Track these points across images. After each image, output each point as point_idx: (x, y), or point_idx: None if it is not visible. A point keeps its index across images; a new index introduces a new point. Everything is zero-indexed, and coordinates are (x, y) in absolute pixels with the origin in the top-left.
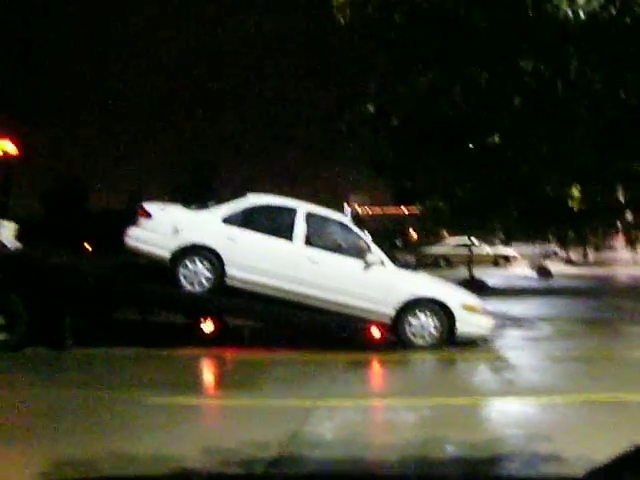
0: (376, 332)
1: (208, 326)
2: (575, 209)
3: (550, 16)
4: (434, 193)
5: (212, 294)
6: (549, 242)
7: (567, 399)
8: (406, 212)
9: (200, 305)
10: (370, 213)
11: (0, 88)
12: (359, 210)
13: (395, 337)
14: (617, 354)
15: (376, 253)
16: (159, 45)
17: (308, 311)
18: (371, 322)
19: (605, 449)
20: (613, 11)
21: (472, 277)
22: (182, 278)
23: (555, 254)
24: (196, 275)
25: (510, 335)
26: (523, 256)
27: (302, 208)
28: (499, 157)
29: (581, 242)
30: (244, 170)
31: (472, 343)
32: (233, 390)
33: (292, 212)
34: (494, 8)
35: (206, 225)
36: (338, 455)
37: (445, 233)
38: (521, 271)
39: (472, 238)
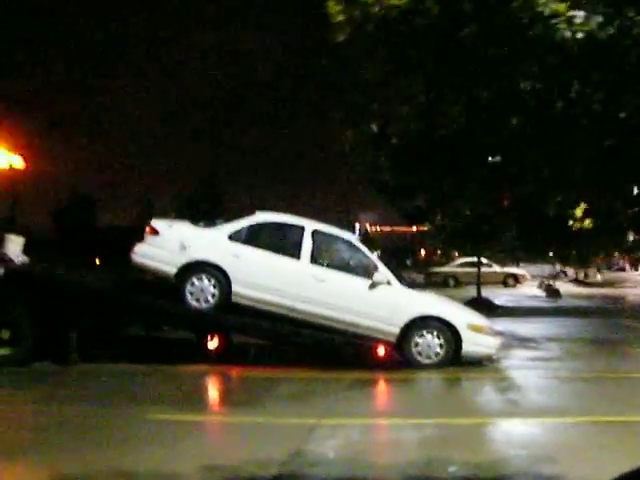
0: (382, 351)
1: (213, 343)
2: (576, 229)
3: (548, 36)
4: (436, 212)
5: (218, 311)
6: (550, 262)
7: (573, 420)
8: (415, 230)
9: (205, 322)
10: (380, 231)
11: (10, 103)
12: (369, 228)
13: (401, 356)
14: (624, 375)
15: (382, 272)
16: (172, 62)
17: (313, 329)
18: (377, 341)
19: (610, 470)
20: (612, 31)
21: (480, 296)
22: (188, 295)
23: (564, 274)
24: (202, 292)
25: (517, 355)
26: (532, 276)
27: (309, 226)
28: (500, 176)
29: (582, 262)
30: (254, 187)
31: (478, 363)
32: (236, 407)
33: (299, 230)
34: (492, 28)
35: (213, 242)
36: (339, 474)
37: (455, 252)
38: (530, 291)
39: (481, 257)
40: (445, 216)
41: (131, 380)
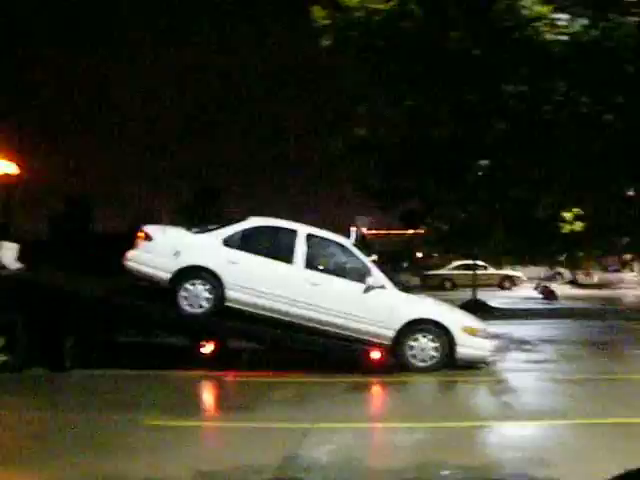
0: (376, 354)
1: (207, 348)
2: (566, 232)
3: (532, 39)
4: (426, 215)
5: (212, 316)
6: (539, 265)
7: (567, 422)
8: (411, 233)
9: (200, 327)
10: (376, 235)
11: (5, 110)
12: (365, 232)
13: (395, 359)
14: (620, 377)
15: (377, 276)
16: (166, 70)
17: (308, 333)
18: (371, 344)
19: (605, 473)
20: (595, 34)
21: (475, 299)
22: (182, 300)
23: (560, 275)
24: (196, 297)
25: (512, 358)
26: (528, 278)
27: (302, 230)
28: (488, 180)
29: (573, 265)
30: (250, 192)
31: (473, 366)
32: (231, 412)
33: (292, 234)
34: (477, 31)
35: (206, 247)
36: (332, 479)
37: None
38: (526, 293)
39: (477, 260)
40: (433, 220)
41: (126, 386)
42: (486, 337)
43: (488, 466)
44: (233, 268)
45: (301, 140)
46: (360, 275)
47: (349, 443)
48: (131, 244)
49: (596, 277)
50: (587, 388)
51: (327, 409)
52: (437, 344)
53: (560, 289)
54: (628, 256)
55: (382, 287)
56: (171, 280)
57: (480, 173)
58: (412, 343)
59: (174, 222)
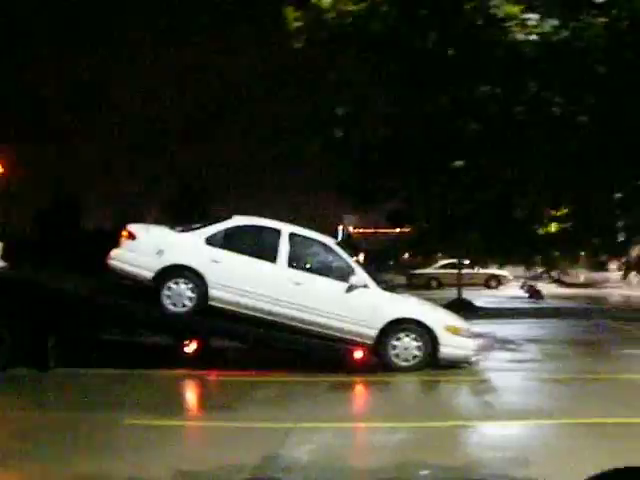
0: (359, 354)
1: (191, 347)
2: (541, 233)
3: (502, 39)
4: (407, 216)
5: (195, 315)
6: (514, 266)
7: (549, 422)
8: (398, 232)
9: (183, 326)
10: (363, 233)
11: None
12: (352, 231)
13: (378, 359)
14: (603, 376)
15: (360, 275)
16: (157, 69)
17: (291, 332)
18: (354, 344)
19: (584, 473)
20: (565, 34)
21: (460, 298)
22: (165, 299)
23: (547, 275)
24: (179, 296)
25: (495, 357)
26: (514, 277)
27: (286, 229)
28: (463, 181)
29: (549, 265)
30: (237, 192)
31: (456, 365)
32: (213, 411)
33: (276, 233)
34: (448, 32)
35: (190, 246)
36: (312, 478)
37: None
38: (512, 292)
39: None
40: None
41: (109, 385)
42: (469, 336)
43: (469, 466)
44: (216, 267)
45: (301, 140)
46: (343, 274)
47: (330, 443)
48: (116, 243)
49: (582, 276)
50: (571, 388)
51: (309, 408)
52: (420, 343)
53: (546, 288)
54: (603, 257)
55: (365, 286)
56: (154, 279)
57: (454, 174)
58: (395, 342)
59: (159, 221)
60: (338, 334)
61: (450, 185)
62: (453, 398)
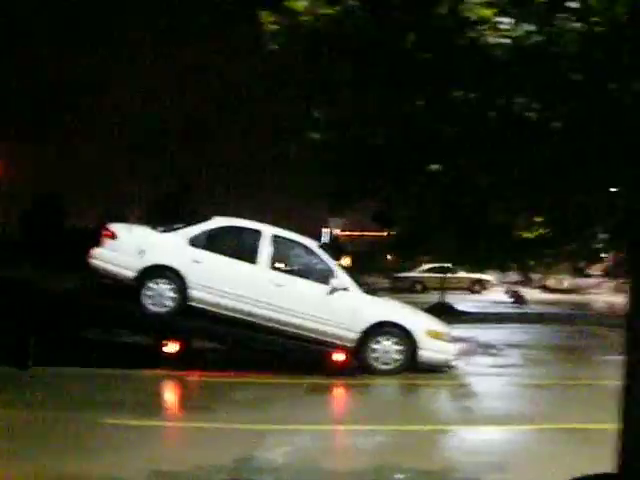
0: (339, 357)
1: (171, 347)
2: (519, 238)
3: (474, 43)
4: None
5: (175, 315)
6: (490, 271)
7: (527, 427)
8: (385, 235)
9: (163, 326)
10: (350, 236)
11: None
12: (338, 233)
13: (358, 362)
14: (584, 382)
15: (341, 277)
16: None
17: (271, 334)
18: (334, 347)
19: (560, 478)
20: (539, 39)
21: (443, 302)
22: (146, 299)
23: (530, 280)
24: (160, 296)
25: (477, 362)
26: (499, 281)
27: (267, 231)
28: (438, 185)
29: (524, 271)
30: (222, 193)
31: (436, 369)
32: (191, 412)
33: (257, 234)
34: (421, 34)
35: (171, 247)
36: None
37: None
38: (496, 297)
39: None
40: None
41: (88, 385)
42: (450, 341)
43: (445, 470)
44: (197, 268)
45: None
46: (324, 277)
47: (307, 445)
48: (97, 242)
49: (566, 282)
50: (550, 393)
51: (289, 410)
52: (400, 347)
53: (530, 293)
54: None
55: (346, 289)
56: (135, 279)
57: (432, 175)
58: (375, 346)
59: (142, 220)
60: (318, 336)
61: (428, 186)
62: (432, 402)
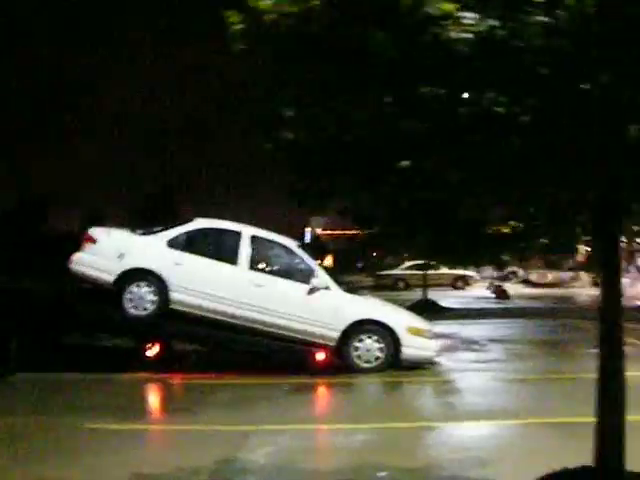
0: (321, 356)
1: (153, 350)
2: (490, 234)
3: (437, 38)
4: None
5: (157, 318)
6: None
7: (511, 422)
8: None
9: (144, 329)
10: (331, 235)
11: None
12: (320, 232)
13: (340, 360)
14: (567, 376)
15: (321, 277)
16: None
17: (252, 335)
18: (316, 346)
19: (541, 473)
20: (502, 33)
21: (426, 299)
22: (127, 302)
23: (513, 275)
24: (140, 299)
25: (459, 357)
26: (482, 277)
27: (247, 231)
28: (409, 182)
29: (498, 267)
30: (203, 197)
31: (419, 366)
32: (174, 415)
33: (237, 236)
34: (389, 33)
35: (151, 249)
36: None
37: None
38: (479, 292)
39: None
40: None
41: (69, 389)
42: (432, 337)
43: (426, 467)
44: (177, 270)
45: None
46: (305, 276)
47: (289, 445)
48: (78, 246)
49: (550, 276)
50: (533, 387)
51: (271, 411)
52: (382, 345)
53: (513, 288)
54: (552, 257)
55: (327, 288)
56: (116, 282)
57: (403, 173)
58: (357, 344)
59: (124, 224)
60: (300, 336)
61: (399, 185)
62: (416, 399)
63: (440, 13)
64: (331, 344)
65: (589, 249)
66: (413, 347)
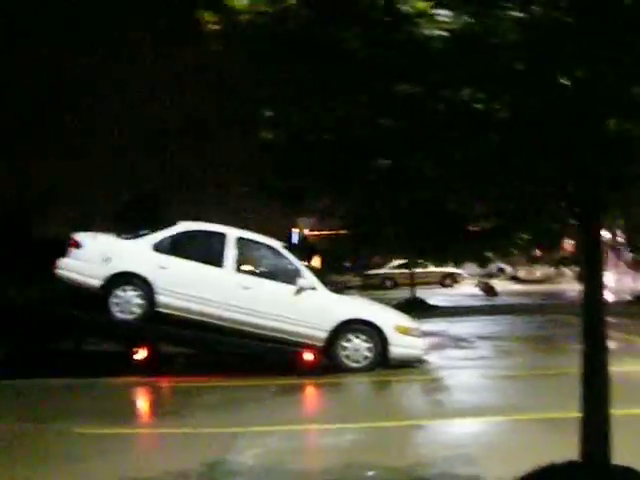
0: (309, 356)
1: (140, 354)
2: (472, 230)
3: (411, 36)
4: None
5: (143, 322)
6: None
7: (500, 419)
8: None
9: (131, 333)
10: (319, 235)
11: None
12: (307, 233)
13: (329, 360)
14: (555, 372)
15: (308, 277)
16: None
17: (240, 337)
18: (304, 346)
19: (528, 469)
20: (476, 29)
21: (414, 297)
22: (114, 306)
23: (502, 271)
24: (127, 303)
25: (447, 355)
26: (470, 274)
27: (232, 233)
28: (389, 180)
29: (481, 263)
30: (189, 200)
31: (407, 365)
32: (162, 418)
33: (222, 238)
34: (363, 32)
35: (137, 253)
36: None
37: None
38: (467, 290)
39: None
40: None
41: (58, 394)
42: (420, 336)
43: (413, 466)
44: (163, 273)
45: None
46: (291, 277)
47: (278, 446)
48: (63, 251)
49: (538, 272)
50: (521, 384)
51: (259, 412)
52: (370, 344)
53: (502, 285)
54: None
55: (313, 288)
56: (102, 287)
57: (382, 173)
58: (345, 344)
59: (110, 229)
60: (288, 337)
61: (378, 184)
62: (404, 398)
63: (414, 11)
64: (319, 344)
65: (574, 243)
66: (401, 346)
